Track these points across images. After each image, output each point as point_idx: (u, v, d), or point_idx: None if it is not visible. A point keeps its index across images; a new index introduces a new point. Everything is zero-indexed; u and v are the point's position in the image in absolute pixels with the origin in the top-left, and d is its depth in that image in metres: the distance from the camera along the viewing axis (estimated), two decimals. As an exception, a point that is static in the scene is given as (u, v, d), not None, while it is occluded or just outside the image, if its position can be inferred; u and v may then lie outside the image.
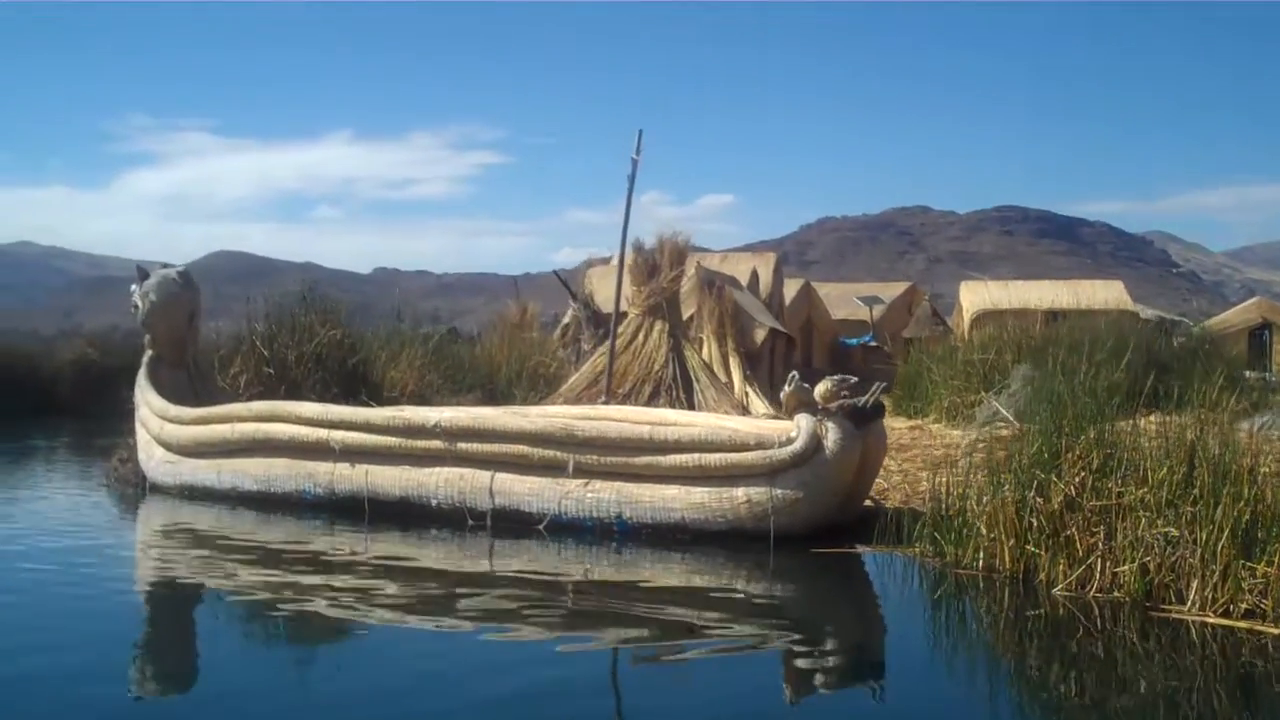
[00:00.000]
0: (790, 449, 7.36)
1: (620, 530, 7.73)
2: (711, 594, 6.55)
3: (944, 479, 7.30)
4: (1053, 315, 24.84)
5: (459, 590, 6.52)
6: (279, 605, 6.22)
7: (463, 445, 8.20)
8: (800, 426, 7.41)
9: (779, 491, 7.36)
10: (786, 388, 7.54)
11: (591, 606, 6.30)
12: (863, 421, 7.51)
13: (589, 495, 7.80)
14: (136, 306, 10.47)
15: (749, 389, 15.02)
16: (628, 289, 14.07)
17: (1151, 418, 7.54)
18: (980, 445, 10.27)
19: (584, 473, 7.84)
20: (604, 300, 17.19)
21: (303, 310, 11.55)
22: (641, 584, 6.80)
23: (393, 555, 7.55)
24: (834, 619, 6.41)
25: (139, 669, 5.22)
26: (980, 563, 6.58)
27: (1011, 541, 6.46)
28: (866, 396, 7.59)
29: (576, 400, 12.92)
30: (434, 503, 8.31)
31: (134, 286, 10.55)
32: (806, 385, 7.51)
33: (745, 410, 13.87)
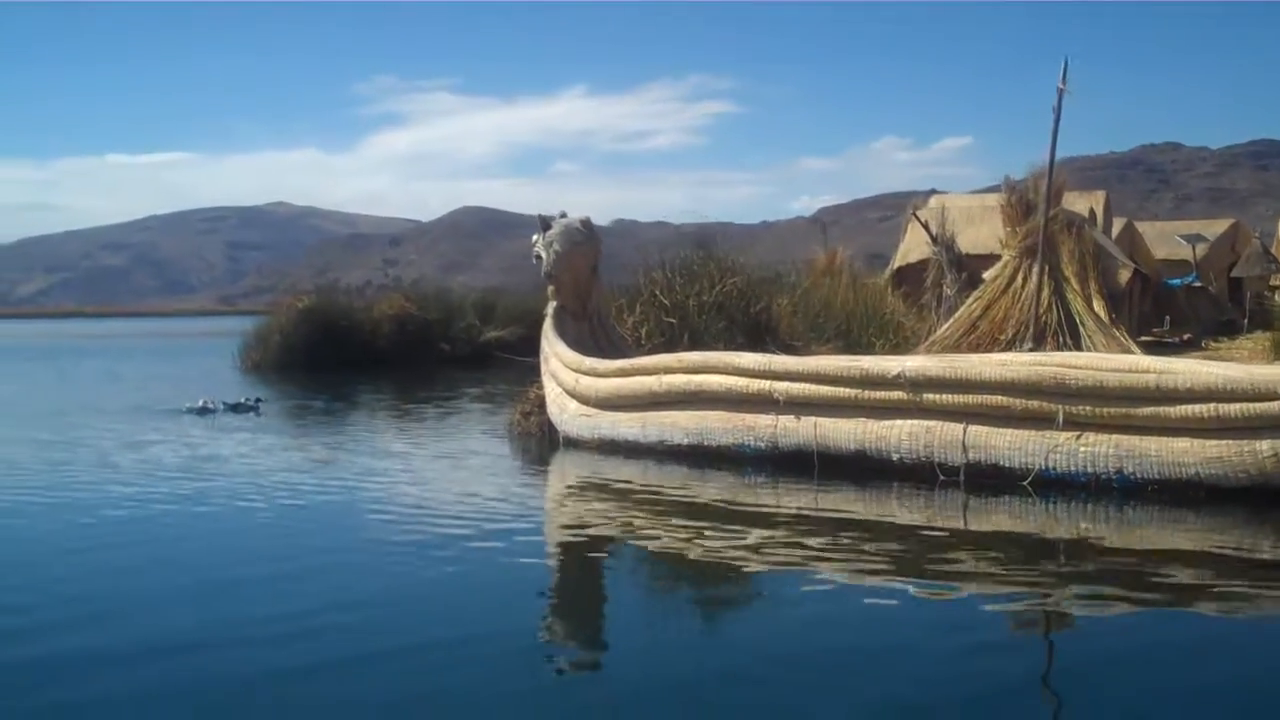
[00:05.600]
0: (1328, 398, 6.64)
1: (1120, 486, 7.15)
2: (1232, 556, 5.97)
3: None
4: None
5: (931, 551, 6.06)
6: (720, 562, 5.89)
7: (929, 396, 7.75)
8: (1337, 373, 6.68)
9: (1312, 445, 6.64)
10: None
11: (1092, 569, 5.74)
12: None
13: (1082, 449, 7.24)
14: (539, 257, 10.33)
15: (1117, 333, 14.15)
16: (999, 230, 13.39)
17: None
18: None
19: (1074, 425, 7.29)
20: (967, 242, 16.57)
21: (700, 260, 11.28)
22: (1150, 545, 6.26)
23: (849, 512, 7.20)
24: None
25: (560, 625, 5.01)
26: None
27: None
28: None
29: (955, 349, 12.33)
30: (896, 457, 7.90)
31: (536, 236, 10.43)
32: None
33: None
